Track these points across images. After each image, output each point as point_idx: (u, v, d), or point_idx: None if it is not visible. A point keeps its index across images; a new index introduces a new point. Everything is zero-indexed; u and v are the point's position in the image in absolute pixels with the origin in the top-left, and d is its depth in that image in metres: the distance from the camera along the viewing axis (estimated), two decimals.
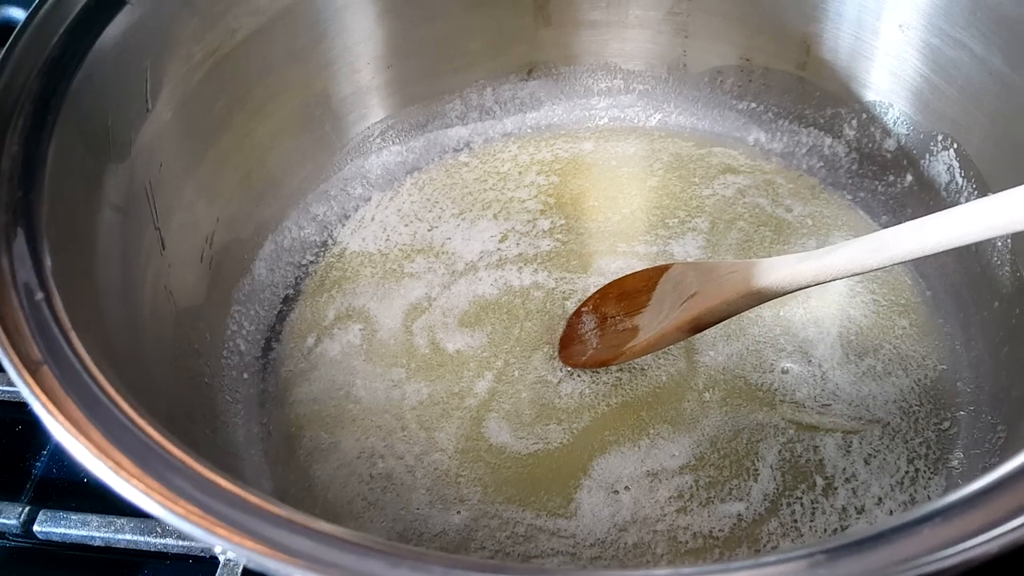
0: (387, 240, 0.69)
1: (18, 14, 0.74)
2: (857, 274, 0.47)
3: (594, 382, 0.58)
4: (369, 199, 0.71)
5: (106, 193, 0.47)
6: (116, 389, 0.33)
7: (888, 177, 0.64)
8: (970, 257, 0.56)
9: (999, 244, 0.55)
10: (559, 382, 0.59)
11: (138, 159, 0.50)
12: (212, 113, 0.57)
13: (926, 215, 0.60)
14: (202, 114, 0.56)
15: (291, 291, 0.66)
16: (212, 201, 0.58)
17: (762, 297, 0.49)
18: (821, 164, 0.68)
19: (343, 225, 0.70)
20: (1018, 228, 0.39)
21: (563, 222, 0.68)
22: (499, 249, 0.67)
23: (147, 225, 0.51)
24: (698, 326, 0.52)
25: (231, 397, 0.59)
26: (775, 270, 0.48)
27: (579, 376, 0.59)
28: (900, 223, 0.61)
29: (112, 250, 0.47)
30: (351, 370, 0.60)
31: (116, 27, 0.48)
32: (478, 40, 0.69)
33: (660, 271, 0.58)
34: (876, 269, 0.48)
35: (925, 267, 0.61)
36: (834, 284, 0.61)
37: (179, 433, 0.44)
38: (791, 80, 0.67)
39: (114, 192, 0.48)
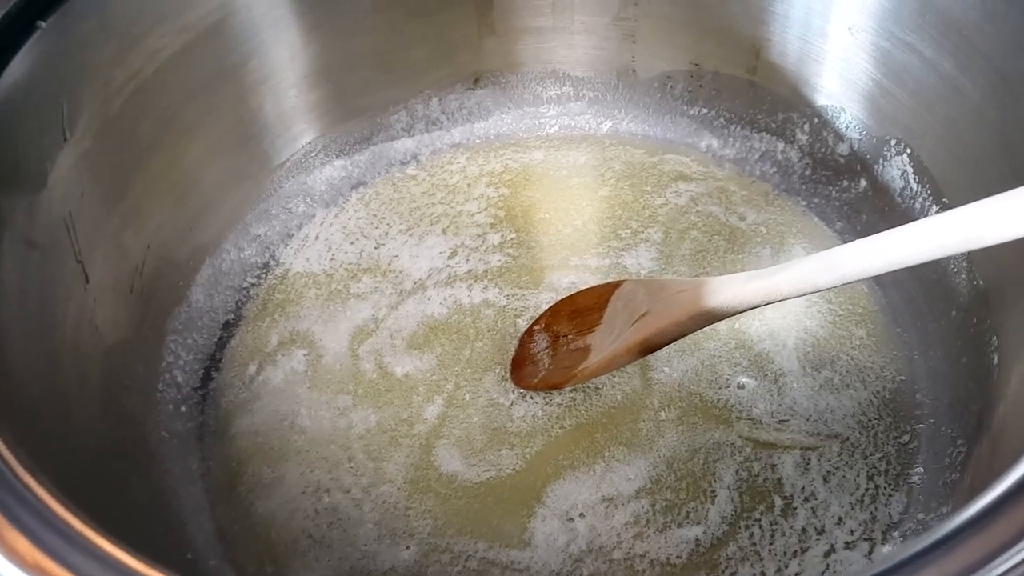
0: (332, 259, 0.66)
1: None
2: (808, 293, 0.45)
3: (547, 404, 0.57)
4: (313, 216, 0.69)
5: (17, 228, 0.44)
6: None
7: (842, 182, 0.63)
8: (926, 265, 0.55)
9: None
10: (511, 404, 0.57)
11: (55, 190, 0.47)
12: (137, 137, 0.54)
13: (880, 221, 0.61)
14: (126, 139, 0.53)
15: (231, 316, 0.63)
16: (141, 228, 0.55)
17: (712, 318, 0.48)
18: (774, 170, 0.67)
19: (286, 245, 0.67)
20: (969, 247, 0.37)
21: (514, 236, 0.66)
22: (448, 266, 0.65)
23: (68, 259, 0.48)
24: (649, 347, 0.51)
25: (167, 432, 0.56)
26: (724, 290, 0.47)
27: (532, 398, 0.57)
28: (855, 228, 0.63)
29: (27, 287, 0.45)
30: (295, 399, 0.58)
31: (27, 54, 0.45)
32: (421, 50, 0.67)
33: (611, 288, 0.57)
34: (827, 288, 0.47)
35: (882, 275, 0.59)
36: None
37: (107, 477, 0.42)
38: (742, 85, 0.66)
39: (27, 226, 0.45)
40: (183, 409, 0.58)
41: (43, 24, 0.46)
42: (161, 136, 0.56)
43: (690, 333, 0.50)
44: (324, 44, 0.63)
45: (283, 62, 0.62)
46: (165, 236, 0.58)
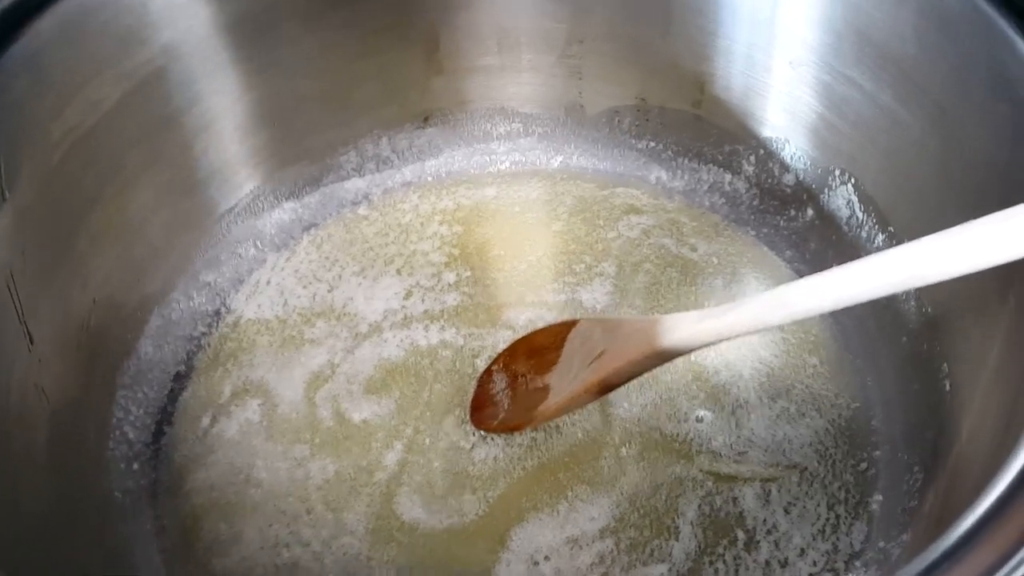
0: (285, 305, 0.65)
1: None
2: (760, 331, 0.46)
3: (508, 445, 0.56)
4: (264, 261, 0.68)
5: None
6: None
7: (789, 212, 0.64)
8: None
9: None
10: (472, 447, 0.56)
11: None
12: (80, 190, 0.52)
13: (828, 249, 0.62)
14: (68, 193, 0.51)
15: (182, 368, 0.62)
16: (86, 283, 0.54)
17: (667, 356, 0.48)
18: (723, 200, 0.68)
19: (237, 291, 0.66)
20: (915, 285, 0.38)
21: (469, 274, 0.66)
22: (404, 307, 0.64)
23: (10, 321, 0.47)
24: (606, 387, 0.51)
25: (119, 492, 0.55)
26: (678, 329, 0.47)
27: (493, 440, 0.56)
28: (803, 256, 0.64)
29: None
30: (251, 451, 0.57)
31: None
32: (369, 90, 0.67)
33: (568, 326, 0.57)
34: (778, 325, 0.47)
35: None
36: None
37: (58, 545, 0.41)
38: (688, 118, 0.66)
39: None
40: (135, 466, 0.56)
41: None
42: (104, 188, 0.54)
43: (646, 372, 0.51)
44: (267, 87, 0.62)
45: (226, 107, 0.61)
46: (111, 289, 0.57)
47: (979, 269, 0.35)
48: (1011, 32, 0.43)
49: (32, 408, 0.48)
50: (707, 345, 0.47)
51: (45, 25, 0.49)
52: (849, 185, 0.59)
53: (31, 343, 0.48)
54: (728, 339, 0.46)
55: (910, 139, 0.51)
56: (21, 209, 0.48)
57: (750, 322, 0.44)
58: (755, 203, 0.67)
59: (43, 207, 0.50)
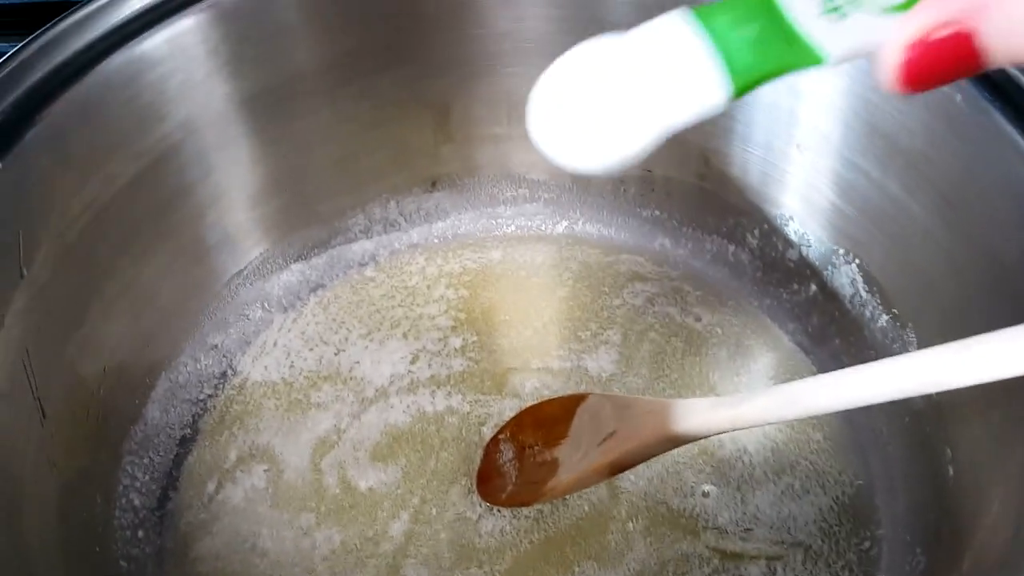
0: (291, 367, 0.66)
1: None
2: (772, 423, 0.47)
3: (515, 517, 0.56)
4: (271, 323, 0.68)
5: None
6: None
7: (792, 286, 0.65)
8: None
9: None
10: (478, 519, 0.57)
11: (12, 331, 0.46)
12: (95, 263, 0.53)
13: (831, 324, 0.63)
14: (83, 267, 0.52)
15: (188, 431, 0.62)
16: (97, 353, 0.54)
17: (679, 442, 0.49)
18: (726, 270, 0.69)
19: (244, 353, 0.66)
20: (931, 391, 0.39)
21: (475, 339, 0.66)
22: (410, 371, 0.65)
23: (25, 398, 0.47)
24: (617, 469, 0.51)
25: (125, 561, 0.54)
26: (691, 416, 0.48)
27: (499, 511, 0.57)
28: (806, 330, 0.64)
29: None
30: (256, 518, 0.57)
31: None
32: (379, 158, 0.68)
33: (576, 400, 0.57)
34: (791, 420, 0.48)
35: None
36: None
37: None
38: (693, 190, 0.68)
39: None
40: (140, 534, 0.56)
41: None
42: (118, 259, 0.55)
43: (657, 455, 0.51)
44: (280, 157, 0.63)
45: (239, 177, 0.62)
46: (121, 356, 0.57)
47: (999, 379, 0.36)
48: (1016, 134, 0.44)
49: (45, 483, 0.48)
50: (720, 433, 0.48)
51: (68, 104, 0.49)
52: (853, 265, 0.60)
53: (44, 417, 0.49)
54: (741, 428, 0.47)
55: (917, 228, 0.52)
56: (38, 286, 0.48)
57: (764, 415, 0.45)
58: (758, 275, 0.68)
59: (59, 282, 0.50)
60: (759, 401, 0.45)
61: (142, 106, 0.53)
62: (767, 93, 0.58)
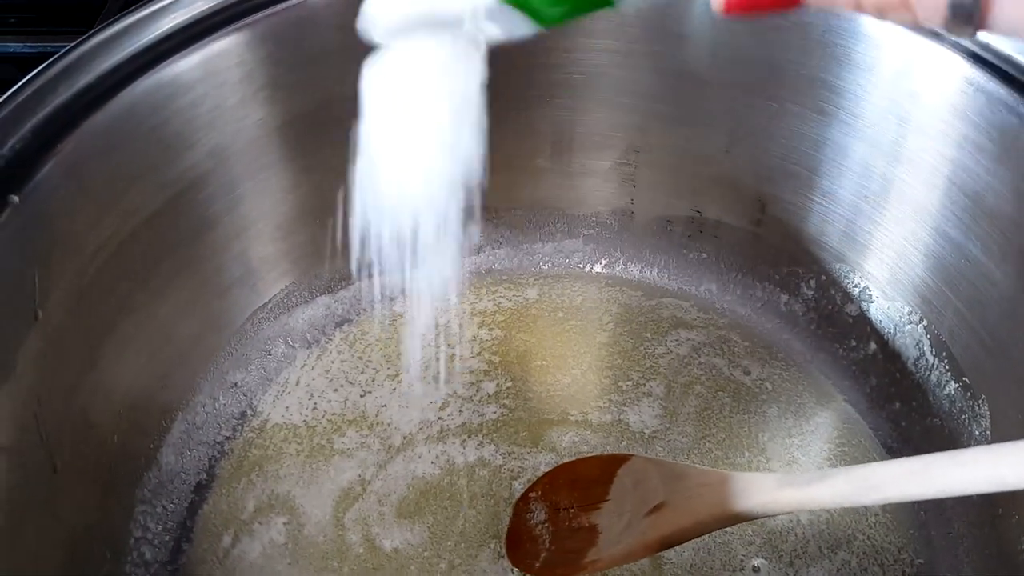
0: (314, 409, 0.62)
1: None
2: (847, 506, 0.43)
3: None
4: (294, 359, 0.64)
5: None
6: None
7: (850, 342, 0.61)
8: (946, 442, 0.54)
9: (977, 433, 0.52)
10: None
11: (23, 379, 0.42)
12: (111, 300, 0.49)
13: (891, 386, 0.59)
14: (100, 305, 0.48)
15: (204, 476, 0.58)
16: (112, 396, 0.51)
17: (738, 520, 0.45)
18: (777, 320, 0.65)
19: (264, 392, 0.63)
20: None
21: (509, 384, 0.63)
22: (440, 418, 0.61)
23: (35, 451, 0.43)
24: (667, 545, 0.47)
25: None
26: (754, 492, 0.44)
27: None
28: (863, 390, 0.61)
29: None
30: None
31: None
32: None
33: (617, 461, 0.53)
34: (869, 505, 0.44)
35: (896, 444, 0.57)
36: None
37: None
38: (745, 235, 0.64)
39: None
40: None
41: (15, 199, 0.42)
42: (135, 295, 0.51)
43: (712, 531, 0.47)
44: (313, 187, 0.60)
45: (269, 207, 0.58)
46: (135, 397, 0.53)
47: None
48: None
49: (51, 537, 0.45)
50: (785, 513, 0.44)
51: (90, 132, 0.46)
52: (920, 326, 0.56)
53: (54, 471, 0.45)
54: (808, 510, 0.43)
55: (998, 296, 0.48)
56: (52, 327, 0.45)
57: (837, 499, 0.41)
58: (812, 327, 0.64)
59: (74, 323, 0.46)
60: (833, 483, 0.41)
61: (170, 134, 0.50)
62: (853, 147, 0.55)
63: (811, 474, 0.43)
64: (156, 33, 0.49)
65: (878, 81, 0.51)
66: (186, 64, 0.49)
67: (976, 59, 0.46)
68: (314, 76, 0.55)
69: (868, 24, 0.49)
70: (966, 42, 0.46)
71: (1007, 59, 0.45)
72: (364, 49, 0.57)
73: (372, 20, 0.38)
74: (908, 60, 0.49)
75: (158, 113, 0.49)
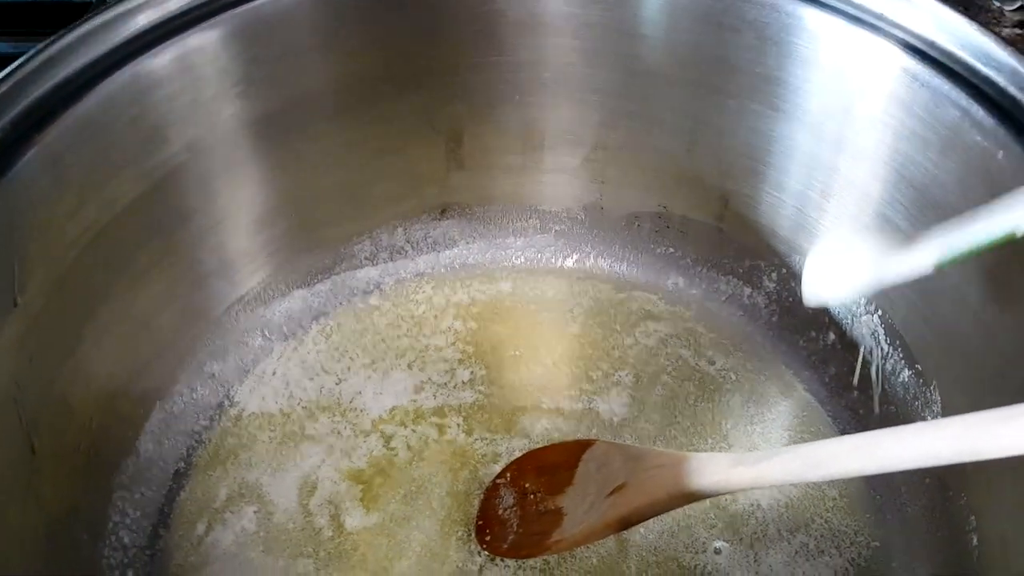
0: (290, 397, 0.63)
1: None
2: (794, 484, 0.45)
3: (520, 568, 0.54)
4: (271, 351, 0.66)
5: None
6: None
7: (810, 333, 0.63)
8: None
9: (929, 419, 0.54)
10: (480, 569, 0.54)
11: (2, 362, 0.43)
12: (90, 289, 0.51)
13: (849, 375, 0.61)
14: (78, 293, 0.49)
15: (182, 465, 0.59)
16: (91, 384, 0.52)
17: (692, 498, 0.47)
18: (741, 313, 0.67)
19: (242, 383, 0.64)
20: (964, 459, 0.37)
21: (484, 372, 0.64)
22: (414, 402, 0.62)
23: (15, 434, 0.45)
24: (626, 524, 0.49)
25: None
26: (708, 472, 0.46)
27: (502, 562, 0.54)
28: (822, 379, 0.62)
29: None
30: (249, 565, 0.54)
31: None
32: (388, 184, 0.66)
33: (582, 447, 0.55)
34: (815, 482, 0.46)
35: (854, 431, 0.59)
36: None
37: None
38: (709, 230, 0.66)
39: None
40: (129, 574, 0.53)
41: None
42: (114, 285, 0.52)
43: (669, 511, 0.49)
44: (287, 181, 0.61)
45: (244, 200, 0.60)
46: (114, 386, 0.55)
47: None
48: None
49: (31, 523, 0.46)
50: (737, 491, 0.46)
51: (69, 123, 0.47)
52: (875, 316, 0.58)
53: (33, 454, 0.46)
54: (759, 488, 0.45)
55: (947, 285, 0.50)
56: (32, 314, 0.46)
57: (785, 476, 0.43)
58: (774, 319, 0.66)
59: (53, 310, 0.48)
60: (781, 461, 0.43)
61: (147, 126, 0.51)
62: (800, 139, 0.57)
63: (761, 453, 0.44)
64: (133, 28, 0.50)
65: (821, 75, 0.53)
66: (162, 59, 0.51)
67: (916, 52, 0.48)
68: (288, 72, 0.57)
69: (809, 18, 0.51)
70: (904, 35, 0.48)
71: (948, 54, 0.47)
72: (339, 48, 0.59)
73: (815, 294, 0.46)
74: (847, 53, 0.51)
75: (135, 106, 0.50)
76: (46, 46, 0.48)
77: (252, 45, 0.54)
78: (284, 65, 0.56)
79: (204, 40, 0.52)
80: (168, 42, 0.51)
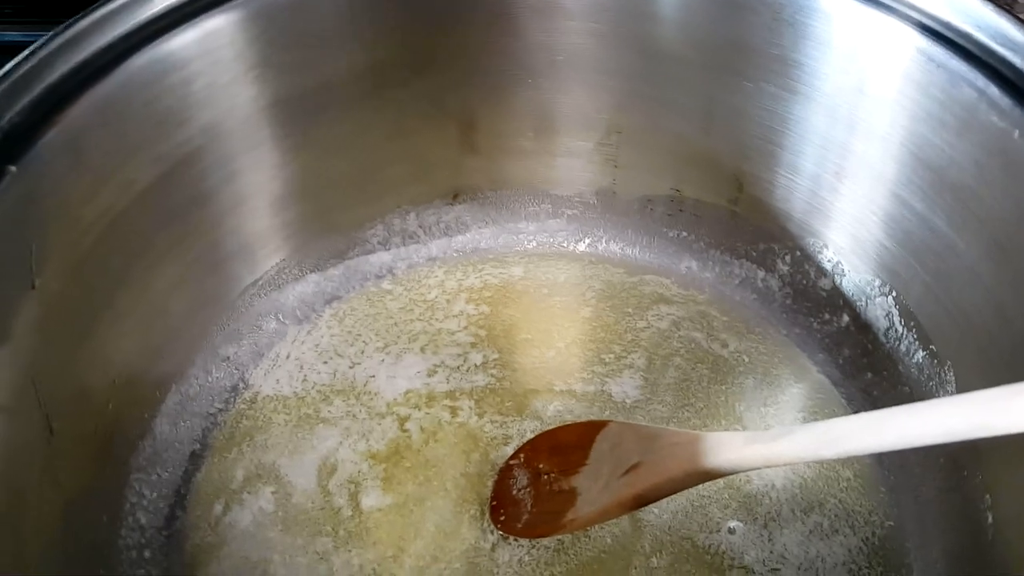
0: (304, 380, 0.64)
1: None
2: (809, 461, 0.45)
3: (533, 547, 0.55)
4: (284, 335, 0.66)
5: None
6: None
7: (823, 315, 0.63)
8: None
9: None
10: (493, 547, 0.55)
11: (21, 344, 0.44)
12: (107, 272, 0.51)
13: (863, 357, 0.61)
14: (96, 276, 0.50)
15: (198, 446, 0.60)
16: (108, 367, 0.52)
17: (707, 477, 0.47)
18: (754, 296, 0.67)
19: (256, 366, 0.64)
20: (979, 435, 0.37)
21: (496, 356, 0.65)
22: (427, 385, 0.63)
23: (33, 414, 0.45)
24: (641, 503, 0.49)
25: None
26: (722, 450, 0.46)
27: (516, 540, 0.55)
28: (836, 362, 0.63)
29: None
30: (267, 544, 0.55)
31: None
32: (400, 168, 0.66)
33: (596, 428, 0.55)
34: (829, 459, 0.46)
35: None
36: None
37: None
38: (723, 213, 0.66)
39: None
40: (147, 554, 0.54)
41: (13, 168, 0.43)
42: (131, 269, 0.53)
43: (684, 489, 0.49)
44: (303, 164, 0.61)
45: (260, 184, 0.60)
46: (131, 368, 0.55)
47: None
48: None
49: (49, 503, 0.46)
50: (752, 469, 0.46)
51: (87, 105, 0.47)
52: (890, 298, 0.58)
53: (51, 434, 0.47)
54: (775, 466, 0.45)
55: (961, 265, 0.50)
56: (49, 297, 0.46)
57: (800, 454, 0.43)
58: (788, 302, 0.66)
59: (70, 292, 0.48)
60: (796, 438, 0.43)
61: (164, 109, 0.51)
62: (817, 121, 0.57)
63: (776, 431, 0.45)
64: (151, 11, 0.50)
65: (835, 56, 0.53)
66: (180, 41, 0.51)
67: (931, 33, 0.48)
68: (306, 57, 0.57)
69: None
70: (919, 16, 0.48)
71: (964, 34, 0.47)
72: (358, 33, 0.59)
73: None
74: (861, 33, 0.51)
75: (152, 89, 0.50)
76: (63, 29, 0.48)
77: (269, 29, 0.55)
78: (301, 49, 0.56)
79: (221, 23, 0.52)
80: (185, 25, 0.51)
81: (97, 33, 0.48)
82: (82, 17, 0.48)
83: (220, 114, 0.54)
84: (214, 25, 0.52)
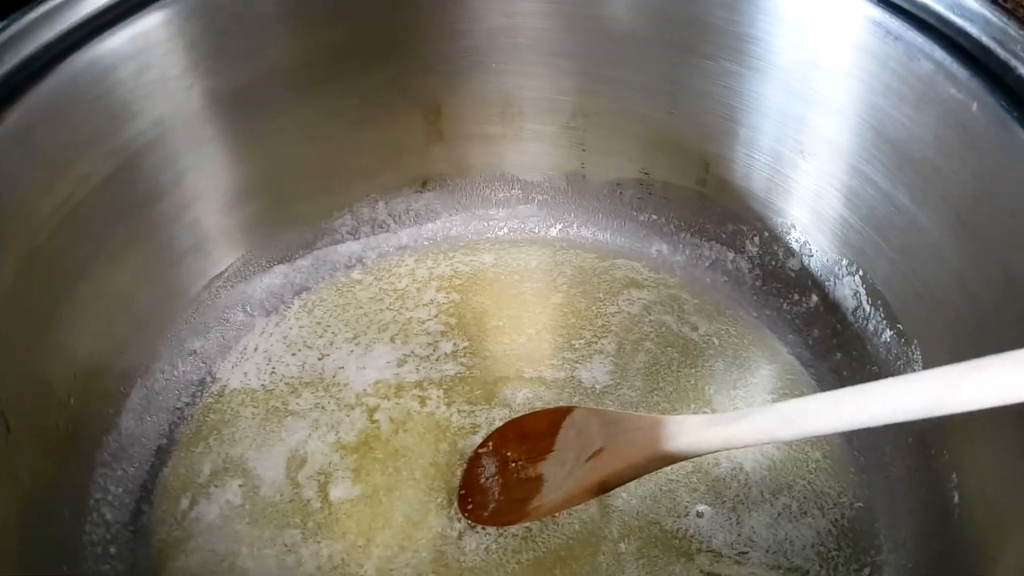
0: (272, 373, 0.63)
1: None
2: (768, 443, 0.44)
3: (501, 535, 0.54)
4: (252, 327, 0.66)
5: None
6: None
7: (793, 296, 0.63)
8: None
9: None
10: (460, 536, 0.54)
11: None
12: (65, 267, 0.50)
13: (832, 337, 0.60)
14: (54, 271, 0.49)
15: (164, 441, 0.59)
16: (67, 360, 0.52)
17: (669, 460, 0.47)
18: (725, 278, 0.67)
19: (224, 359, 0.64)
20: (934, 414, 0.37)
21: (466, 344, 0.64)
22: (397, 375, 0.62)
23: None
24: (604, 488, 0.49)
25: None
26: (683, 433, 0.46)
27: (483, 528, 0.54)
28: (806, 343, 0.62)
29: None
30: (234, 537, 0.54)
31: None
32: (367, 157, 0.65)
33: (562, 414, 0.55)
34: (788, 440, 0.45)
35: None
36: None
37: None
38: (691, 195, 0.65)
39: None
40: (112, 550, 0.54)
41: None
42: (90, 263, 0.52)
43: (647, 473, 0.49)
44: (260, 156, 0.61)
45: (217, 176, 0.59)
46: (94, 363, 0.55)
47: (1010, 403, 0.34)
48: None
49: (5, 497, 0.46)
50: (713, 452, 0.46)
51: (36, 100, 0.47)
52: (857, 277, 0.57)
53: (8, 431, 0.46)
54: (735, 448, 0.44)
55: (925, 241, 0.49)
56: (4, 291, 0.46)
57: (760, 435, 0.43)
58: (758, 284, 0.65)
59: (27, 286, 0.48)
60: (755, 420, 0.43)
61: (114, 103, 0.51)
62: (776, 97, 0.56)
63: (736, 413, 0.44)
64: (97, 4, 0.49)
65: (786, 29, 0.53)
66: (128, 34, 0.50)
67: (884, 3, 0.47)
68: (258, 46, 0.56)
69: None
70: None
71: (920, 5, 0.46)
72: (308, 18, 0.58)
73: None
74: (807, 4, 0.51)
75: (101, 83, 0.50)
76: (8, 25, 0.47)
77: (220, 19, 0.54)
78: (252, 38, 0.56)
79: (168, 15, 0.52)
80: (131, 18, 0.50)
81: (42, 28, 0.48)
82: (26, 13, 0.48)
83: (171, 107, 0.54)
84: (158, 18, 0.51)
